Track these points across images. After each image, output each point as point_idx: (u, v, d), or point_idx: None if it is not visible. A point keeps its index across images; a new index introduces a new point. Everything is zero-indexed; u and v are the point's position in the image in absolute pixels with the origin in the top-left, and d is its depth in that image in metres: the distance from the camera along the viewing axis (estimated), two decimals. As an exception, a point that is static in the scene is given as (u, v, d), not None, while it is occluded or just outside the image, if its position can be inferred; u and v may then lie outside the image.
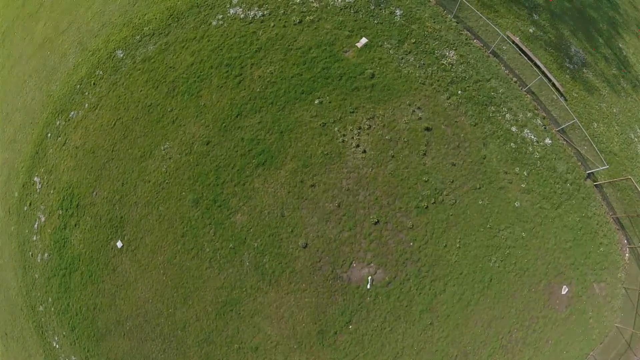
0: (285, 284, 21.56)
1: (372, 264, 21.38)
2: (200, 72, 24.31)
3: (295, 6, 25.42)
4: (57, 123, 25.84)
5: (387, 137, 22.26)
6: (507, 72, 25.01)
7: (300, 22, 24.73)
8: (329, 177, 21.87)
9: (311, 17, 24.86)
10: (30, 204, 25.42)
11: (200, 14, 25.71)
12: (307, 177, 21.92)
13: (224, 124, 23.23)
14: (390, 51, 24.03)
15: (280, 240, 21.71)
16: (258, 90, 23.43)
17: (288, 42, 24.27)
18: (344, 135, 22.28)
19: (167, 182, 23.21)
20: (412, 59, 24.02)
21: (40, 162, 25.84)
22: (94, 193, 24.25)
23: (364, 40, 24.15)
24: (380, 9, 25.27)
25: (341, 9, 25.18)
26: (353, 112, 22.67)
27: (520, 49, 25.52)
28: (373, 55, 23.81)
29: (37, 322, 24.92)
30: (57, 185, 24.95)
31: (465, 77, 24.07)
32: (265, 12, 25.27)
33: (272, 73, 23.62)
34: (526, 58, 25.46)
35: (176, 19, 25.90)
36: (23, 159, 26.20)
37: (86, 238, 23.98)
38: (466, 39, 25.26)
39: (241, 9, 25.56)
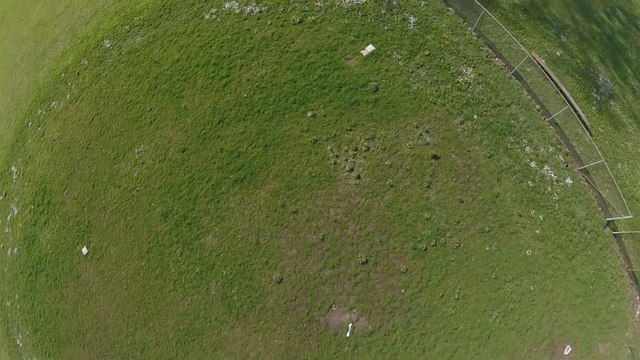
0: (254, 321, 14.02)
1: (354, 310, 13.65)
2: (186, 70, 16.26)
3: (297, 4, 16.93)
4: (39, 112, 18.21)
5: (386, 163, 14.11)
6: (529, 97, 16.40)
7: (300, 22, 16.34)
8: (315, 203, 13.97)
9: (313, 18, 16.43)
10: (5, 194, 18.23)
11: (194, 6, 17.46)
12: (290, 202, 14.06)
13: (203, 131, 15.33)
14: (400, 63, 15.57)
15: (253, 271, 14.06)
16: (245, 95, 15.34)
17: (284, 44, 15.98)
18: (337, 156, 14.21)
19: (137, 190, 15.60)
20: (424, 73, 15.56)
21: (19, 152, 18.40)
22: (65, 191, 16.81)
23: (370, 47, 15.72)
24: (392, 14, 16.72)
25: (348, 11, 16.66)
26: (350, 129, 14.53)
27: (546, 73, 16.88)
28: (379, 65, 15.43)
29: (4, 317, 18.20)
30: (32, 178, 17.57)
31: (483, 99, 15.54)
32: (263, 9, 16.88)
33: (262, 77, 15.47)
34: (552, 83, 16.82)
35: (168, 10, 17.69)
36: (4, 146, 18.85)
37: (54, 238, 16.70)
38: (487, 56, 16.60)
39: (237, 4, 17.18)
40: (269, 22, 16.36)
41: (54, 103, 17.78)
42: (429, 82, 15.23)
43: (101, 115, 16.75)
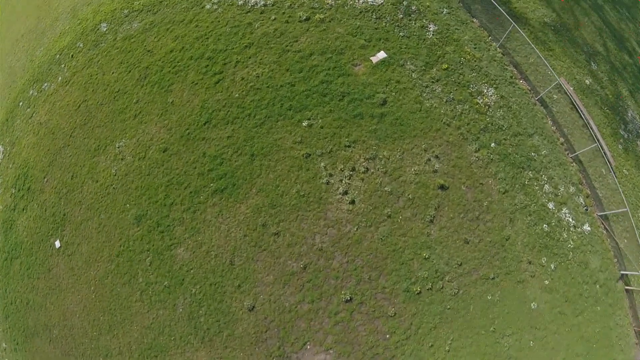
0: (220, 347, 10.65)
1: (331, 351, 10.15)
2: (178, 62, 12.51)
3: (305, 1, 13.02)
4: (30, 92, 14.71)
5: (386, 189, 10.31)
6: (554, 128, 12.24)
7: (307, 19, 12.37)
8: (300, 227, 10.36)
9: (321, 16, 12.43)
10: None
11: None
12: (272, 222, 10.46)
13: (187, 131, 11.68)
14: (413, 75, 11.55)
15: (224, 293, 10.60)
16: (237, 95, 11.59)
17: (286, 42, 12.09)
18: (330, 175, 10.44)
19: (113, 187, 12.17)
20: (440, 89, 11.54)
21: (8, 131, 15.04)
22: (45, 179, 13.47)
23: (382, 54, 11.75)
24: (410, 20, 12.65)
25: (361, 12, 12.60)
26: (349, 146, 10.72)
27: (574, 103, 12.77)
28: (390, 75, 11.50)
29: (-18, 298, 15.46)
30: (16, 160, 14.25)
31: (503, 126, 11.42)
32: (268, 2, 12.88)
33: (258, 77, 11.68)
34: (579, 115, 12.73)
35: None
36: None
37: (30, 227, 13.50)
38: (511, 77, 12.41)
39: None
40: (273, 17, 12.47)
41: (45, 84, 14.29)
42: (444, 100, 11.31)
43: (88, 103, 13.25)
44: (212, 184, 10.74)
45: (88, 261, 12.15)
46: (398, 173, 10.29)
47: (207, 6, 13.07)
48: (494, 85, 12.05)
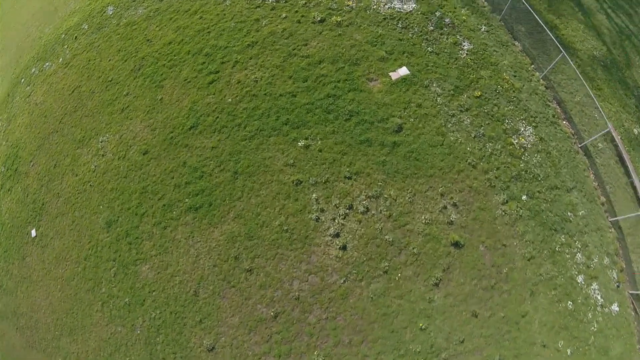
0: (175, 383, 8.12)
1: (295, 415, 7.43)
2: (174, 56, 9.46)
3: (323, 0, 9.73)
4: (33, 70, 11.98)
5: (387, 238, 7.04)
6: (596, 184, 8.66)
7: (321, 21, 9.03)
8: (277, 267, 7.33)
9: (339, 19, 9.03)
10: None
11: None
12: (246, 255, 7.43)
13: (171, 134, 8.68)
14: (439, 99, 8.08)
15: (184, 325, 7.79)
16: (230, 100, 8.45)
17: (294, 45, 8.81)
18: (322, 210, 7.24)
19: (91, 185, 9.42)
20: (468, 121, 8.02)
21: (7, 107, 12.44)
22: (32, 163, 10.92)
23: (403, 70, 8.34)
24: (442, 34, 9.13)
25: (385, 19, 9.13)
26: (350, 178, 7.49)
27: (621, 156, 9.14)
28: (410, 97, 8.13)
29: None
30: (10, 138, 11.73)
31: (540, 175, 7.84)
32: None
33: (256, 81, 8.52)
34: (624, 170, 9.11)
35: None
36: (1, 85, 13.30)
37: (12, 209, 11.07)
38: (553, 116, 8.69)
39: None
40: (284, 15, 9.24)
41: (47, 64, 11.62)
42: (473, 135, 7.90)
43: (81, 89, 10.50)
44: (187, 200, 7.89)
45: (58, 257, 9.63)
46: (404, 219, 7.11)
47: (216, -4, 9.97)
48: (533, 124, 8.51)
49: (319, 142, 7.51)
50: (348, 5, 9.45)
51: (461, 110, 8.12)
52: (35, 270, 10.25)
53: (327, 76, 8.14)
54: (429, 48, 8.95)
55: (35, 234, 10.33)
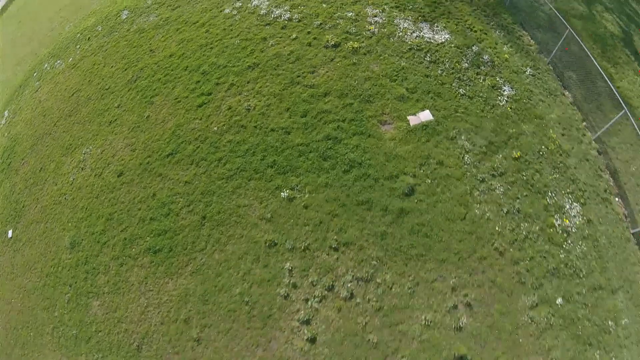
0: None
1: None
2: (172, 70, 8.53)
3: (341, 21, 8.24)
4: (45, 66, 11.72)
5: (371, 338, 5.10)
6: (671, 292, 6.60)
7: (335, 46, 7.72)
8: (228, 346, 5.58)
9: (356, 45, 7.65)
10: None
11: None
12: (197, 321, 5.88)
13: (149, 159, 7.64)
14: (467, 157, 6.28)
15: (122, 386, 6.78)
16: (215, 129, 7.27)
17: (299, 71, 7.53)
18: (294, 286, 5.52)
19: (65, 198, 8.60)
20: (502, 189, 6.13)
21: (16, 98, 12.12)
22: (23, 161, 10.42)
23: (426, 115, 6.75)
24: (478, 74, 7.43)
25: (410, 49, 7.62)
26: (337, 249, 5.65)
27: None
28: (430, 150, 6.40)
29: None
30: (11, 131, 11.29)
31: (582, 271, 5.65)
32: (294, 17, 8.41)
33: (248, 110, 7.30)
34: None
35: None
36: (11, 87, 12.94)
37: None
38: (605, 191, 6.45)
39: (268, 2, 8.80)
40: (294, 36, 8.07)
41: (58, 62, 11.36)
42: (505, 211, 5.96)
43: (80, 94, 10.03)
44: (148, 238, 6.77)
45: (25, 266, 8.89)
46: (398, 317, 5.25)
47: (227, 10, 9.07)
48: (582, 200, 6.37)
49: (307, 195, 6.04)
50: (369, 30, 8.12)
51: (494, 175, 6.29)
52: (3, 273, 9.64)
53: (331, 113, 6.77)
54: (460, 89, 7.30)
55: (11, 236, 9.86)
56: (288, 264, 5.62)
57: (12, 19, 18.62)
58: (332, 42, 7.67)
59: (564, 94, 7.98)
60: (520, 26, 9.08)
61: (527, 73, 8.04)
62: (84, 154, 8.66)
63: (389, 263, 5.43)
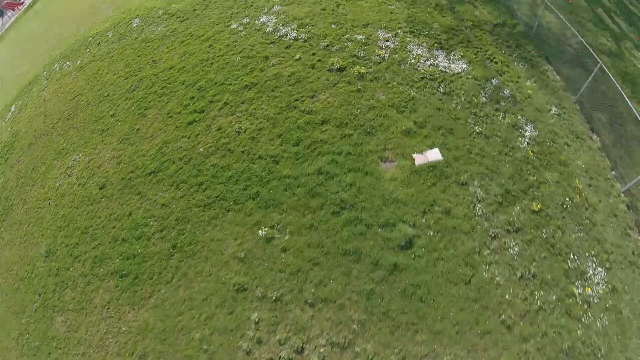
0: None
1: None
2: (169, 83, 8.15)
3: (349, 44, 7.70)
4: (55, 66, 11.74)
5: None
6: None
7: (340, 70, 7.15)
8: None
9: (363, 70, 7.04)
10: None
11: (231, 9, 9.28)
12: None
13: (131, 175, 7.14)
14: (478, 207, 5.35)
15: None
16: (201, 150, 6.71)
17: (298, 94, 6.92)
18: (259, 341, 4.65)
19: (49, 203, 8.15)
20: (517, 249, 5.08)
21: (24, 95, 12.10)
22: (19, 159, 10.19)
23: (434, 154, 5.96)
24: (497, 110, 6.55)
25: (423, 78, 6.92)
26: (313, 304, 4.72)
27: None
28: (436, 196, 5.50)
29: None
30: (14, 127, 11.17)
31: (600, 350, 4.52)
32: (301, 36, 7.93)
33: (238, 133, 6.70)
34: None
35: (204, 7, 10.05)
36: (23, 80, 12.94)
37: None
38: (633, 253, 5.85)
39: (275, 20, 8.45)
40: (298, 56, 7.59)
41: (67, 63, 11.38)
42: (519, 275, 4.90)
43: (81, 98, 9.92)
44: (117, 260, 6.21)
45: (3, 266, 8.48)
46: None
47: (233, 25, 8.78)
48: (607, 264, 5.26)
49: (287, 237, 5.27)
50: (379, 55, 7.55)
51: (508, 231, 5.36)
52: (-20, 277, 9.49)
53: (327, 143, 6.12)
54: (476, 127, 6.53)
55: (-8, 238, 9.72)
56: (255, 314, 4.86)
57: (37, 14, 19.54)
58: (337, 66, 7.14)
59: (591, 138, 7.04)
60: (545, 60, 8.29)
61: (552, 112, 7.18)
62: (73, 160, 8.37)
63: (373, 329, 4.58)
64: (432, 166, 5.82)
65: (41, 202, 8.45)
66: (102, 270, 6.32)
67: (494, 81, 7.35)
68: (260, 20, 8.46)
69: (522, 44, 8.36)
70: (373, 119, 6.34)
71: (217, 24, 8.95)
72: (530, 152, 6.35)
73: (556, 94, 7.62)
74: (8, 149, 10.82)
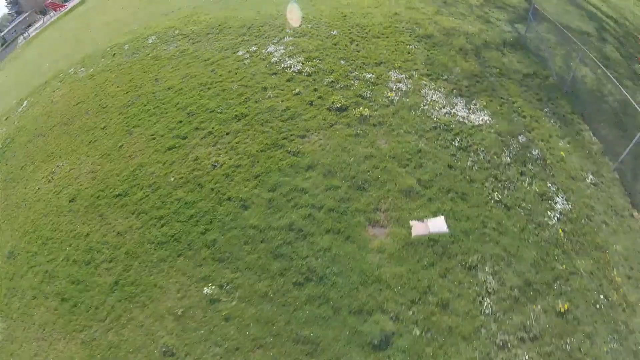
0: None
1: None
2: (163, 104, 8.06)
3: (356, 83, 7.33)
4: (71, 70, 12.53)
5: None
6: None
7: (340, 109, 6.60)
8: None
9: (366, 112, 6.42)
10: (6, 119, 12.94)
11: (242, 36, 9.33)
12: None
13: (100, 193, 6.77)
14: (487, 303, 4.17)
15: None
16: (172, 180, 6.21)
17: (288, 132, 6.39)
18: None
19: (24, 205, 7.83)
20: None
21: (38, 92, 12.94)
22: (14, 154, 10.44)
23: (438, 223, 4.91)
24: (522, 174, 5.45)
25: (435, 128, 6.15)
26: None
27: None
28: (432, 280, 4.37)
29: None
30: (20, 122, 11.76)
31: None
32: (305, 70, 7.63)
33: (214, 167, 6.21)
34: None
35: (218, 31, 10.13)
36: (44, 78, 13.79)
37: None
38: None
39: (282, 51, 8.28)
40: (297, 90, 7.28)
41: (82, 69, 12.03)
42: None
43: (82, 105, 10.15)
44: (64, 281, 5.56)
45: None
46: None
47: (240, 52, 8.80)
48: None
49: (234, 302, 4.43)
50: (387, 97, 7.05)
51: (522, 339, 4.09)
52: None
53: (307, 193, 5.46)
54: (495, 193, 5.62)
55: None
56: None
57: (77, 17, 21.80)
58: (338, 105, 6.72)
59: (632, 215, 5.84)
60: (580, 117, 7.37)
61: (588, 181, 6.13)
62: (57, 166, 8.40)
63: None
64: (433, 239, 4.91)
65: (19, 202, 8.44)
66: (48, 287, 5.83)
67: (521, 138, 6.54)
68: (268, 50, 8.50)
69: (554, 98, 7.58)
70: (368, 171, 5.68)
71: (225, 50, 9.14)
72: (560, 231, 5.29)
73: (593, 158, 6.62)
74: (9, 142, 11.30)
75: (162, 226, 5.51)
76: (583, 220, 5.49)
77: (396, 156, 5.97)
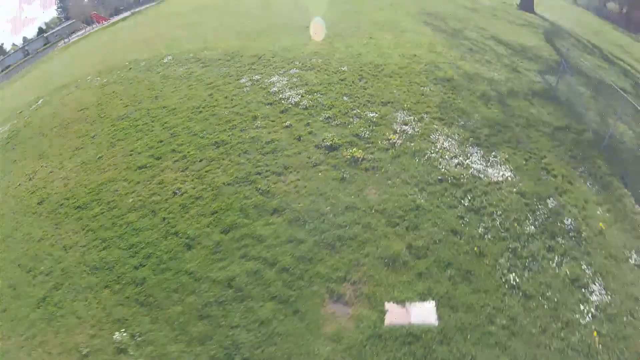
0: None
1: None
2: (152, 122, 8.07)
3: (356, 121, 6.70)
4: (89, 77, 13.53)
5: None
6: None
7: (330, 148, 5.94)
8: None
9: (360, 155, 5.73)
10: (20, 112, 13.72)
11: (251, 65, 9.51)
12: None
13: (64, 201, 6.36)
14: None
15: None
16: (130, 201, 5.72)
17: (265, 167, 5.81)
18: None
19: (10, 199, 7.79)
20: None
21: (54, 94, 13.81)
22: (14, 147, 10.85)
23: (425, 310, 3.62)
24: (550, 249, 4.18)
25: (441, 181, 5.16)
26: None
27: None
28: None
29: None
30: (30, 118, 12.50)
31: None
32: (302, 103, 7.32)
33: (174, 195, 5.51)
34: None
35: (230, 57, 10.41)
36: (64, 81, 14.87)
37: None
38: None
39: (284, 83, 8.17)
40: (288, 123, 6.87)
41: (97, 78, 12.86)
42: None
43: (85, 112, 10.60)
44: (1, 282, 5.20)
45: None
46: None
47: (243, 80, 8.90)
48: None
49: None
50: (388, 140, 6.41)
51: None
52: None
53: (263, 244, 4.61)
54: (511, 274, 4.38)
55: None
56: None
57: (117, 31, 24.45)
58: (329, 143, 6.17)
59: None
60: (620, 180, 6.16)
61: (632, 262, 4.77)
62: (41, 167, 8.56)
63: None
64: (413, 334, 3.76)
65: (2, 196, 8.47)
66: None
67: (551, 202, 5.43)
68: (271, 80, 8.51)
69: (590, 156, 6.48)
70: (346, 226, 4.83)
71: (230, 76, 9.35)
72: (595, 333, 3.90)
73: (637, 232, 5.25)
74: (15, 134, 12.00)
75: (102, 249, 4.99)
76: (625, 319, 4.08)
77: (385, 211, 5.10)
